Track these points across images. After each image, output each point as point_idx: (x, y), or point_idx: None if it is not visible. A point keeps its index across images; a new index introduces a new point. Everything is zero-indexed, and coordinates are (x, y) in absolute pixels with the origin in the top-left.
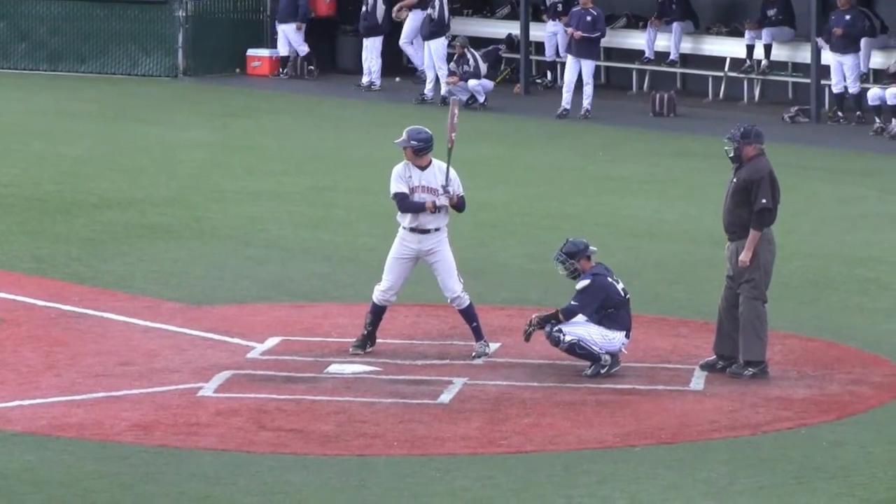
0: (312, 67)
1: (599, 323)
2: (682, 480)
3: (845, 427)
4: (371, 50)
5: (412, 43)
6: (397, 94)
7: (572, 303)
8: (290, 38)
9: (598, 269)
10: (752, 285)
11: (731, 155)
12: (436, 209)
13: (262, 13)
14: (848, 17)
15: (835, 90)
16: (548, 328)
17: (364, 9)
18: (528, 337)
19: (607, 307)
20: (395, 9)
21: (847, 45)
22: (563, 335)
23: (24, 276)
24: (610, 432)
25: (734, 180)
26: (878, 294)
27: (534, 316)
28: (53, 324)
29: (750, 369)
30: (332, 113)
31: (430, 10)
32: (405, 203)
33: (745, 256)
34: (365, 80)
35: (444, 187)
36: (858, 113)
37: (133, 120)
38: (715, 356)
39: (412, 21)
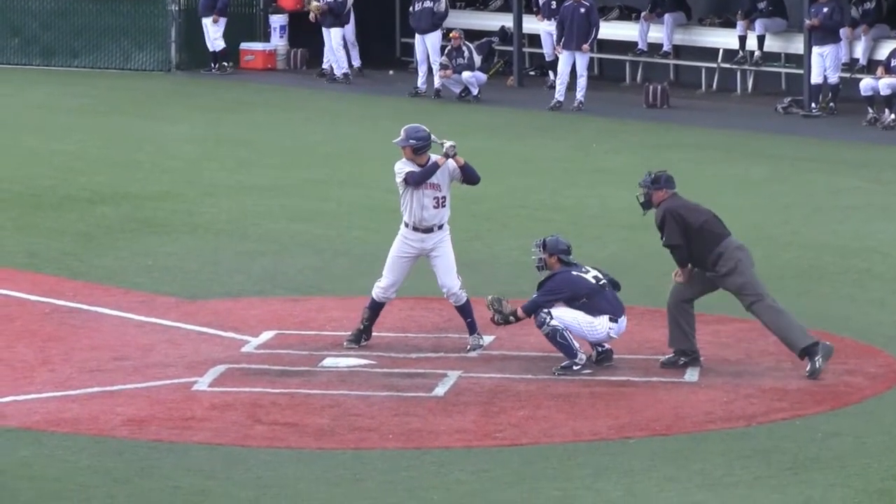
0: (226, 64)
1: None
2: (677, 472)
3: (840, 418)
4: (338, 41)
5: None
6: (390, 87)
7: (533, 296)
8: (208, 31)
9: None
10: (750, 293)
11: (642, 201)
12: (447, 156)
13: (254, 7)
14: (826, 9)
15: (813, 81)
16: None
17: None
18: (503, 320)
19: (578, 298)
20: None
21: (825, 36)
22: (550, 318)
23: (18, 271)
24: (605, 424)
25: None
26: (871, 284)
27: (495, 299)
28: (47, 319)
29: (818, 359)
30: (325, 107)
31: (430, 3)
32: (419, 175)
33: (681, 277)
34: (339, 73)
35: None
36: (832, 104)
37: (126, 114)
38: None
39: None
